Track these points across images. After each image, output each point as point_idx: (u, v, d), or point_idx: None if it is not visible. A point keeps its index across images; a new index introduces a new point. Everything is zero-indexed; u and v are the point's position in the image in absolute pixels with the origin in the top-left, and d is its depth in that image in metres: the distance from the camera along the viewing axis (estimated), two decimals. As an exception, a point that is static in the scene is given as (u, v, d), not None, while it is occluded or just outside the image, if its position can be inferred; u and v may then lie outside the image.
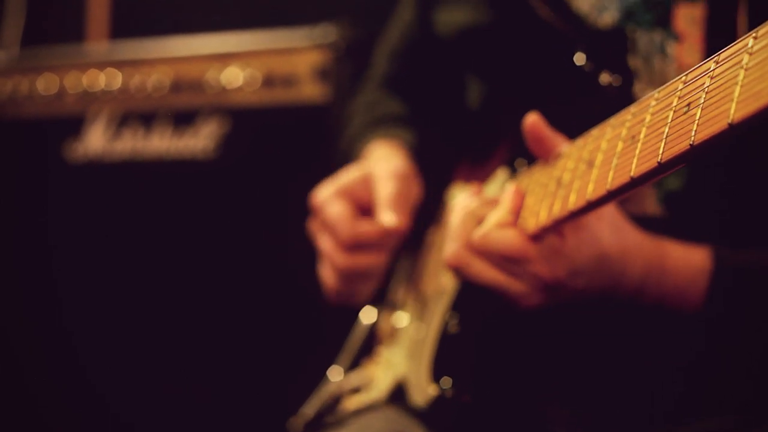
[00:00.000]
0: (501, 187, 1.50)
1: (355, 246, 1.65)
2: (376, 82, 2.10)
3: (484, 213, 1.33)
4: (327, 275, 1.72)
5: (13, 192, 3.00)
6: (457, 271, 1.31)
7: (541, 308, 1.31)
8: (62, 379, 2.96)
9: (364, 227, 1.65)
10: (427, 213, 1.77)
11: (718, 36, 1.38)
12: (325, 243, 1.69)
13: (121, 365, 2.84)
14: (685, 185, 1.42)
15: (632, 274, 1.30)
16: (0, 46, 3.28)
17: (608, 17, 1.49)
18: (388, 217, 1.63)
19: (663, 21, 1.44)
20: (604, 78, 1.40)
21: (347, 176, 1.73)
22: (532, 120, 1.31)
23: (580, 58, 1.42)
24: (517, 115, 1.63)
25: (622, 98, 1.35)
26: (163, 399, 2.80)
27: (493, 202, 1.35)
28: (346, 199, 1.68)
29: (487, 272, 1.28)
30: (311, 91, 2.65)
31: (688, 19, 1.41)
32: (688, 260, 1.34)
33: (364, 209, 1.69)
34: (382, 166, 1.71)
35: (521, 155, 1.51)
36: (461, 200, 1.38)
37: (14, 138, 3.05)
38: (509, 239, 1.24)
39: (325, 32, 2.68)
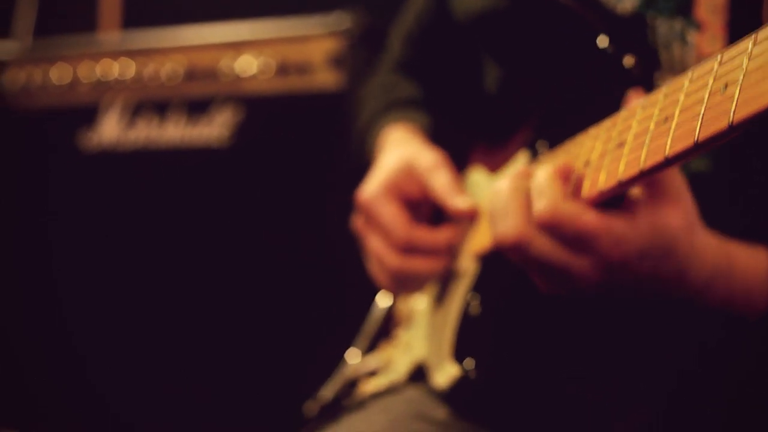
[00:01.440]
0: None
1: (409, 249, 1.65)
2: (391, 65, 2.10)
3: (537, 187, 1.25)
4: (378, 274, 1.72)
5: (28, 182, 3.01)
6: (516, 248, 1.23)
7: (600, 288, 1.25)
8: (71, 366, 2.97)
9: (420, 232, 1.65)
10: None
11: (741, 25, 1.37)
12: (376, 243, 1.68)
13: (142, 346, 2.85)
14: (713, 167, 1.41)
15: (698, 273, 1.25)
16: (13, 37, 3.28)
17: (628, 4, 1.47)
18: (458, 200, 1.61)
19: (684, 9, 1.42)
20: (628, 60, 1.38)
21: (389, 170, 1.71)
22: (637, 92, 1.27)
23: (603, 41, 1.40)
24: (536, 99, 1.63)
25: (645, 82, 1.34)
26: (182, 381, 2.80)
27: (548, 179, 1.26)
28: (396, 198, 1.67)
29: (550, 250, 1.21)
30: (325, 78, 2.65)
31: (710, 8, 1.39)
32: (756, 261, 1.30)
33: (412, 203, 1.69)
34: (422, 159, 1.70)
35: (542, 137, 1.50)
36: (505, 177, 1.32)
37: (28, 128, 3.06)
38: (580, 213, 1.17)
39: (339, 20, 2.68)
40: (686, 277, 1.24)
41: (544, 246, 1.21)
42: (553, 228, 1.19)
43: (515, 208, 1.24)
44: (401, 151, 1.76)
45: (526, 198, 1.24)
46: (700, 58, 1.39)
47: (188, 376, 2.81)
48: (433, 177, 1.66)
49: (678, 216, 1.21)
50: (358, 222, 1.74)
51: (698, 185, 1.36)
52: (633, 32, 1.45)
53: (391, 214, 1.66)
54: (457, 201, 1.61)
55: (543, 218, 1.19)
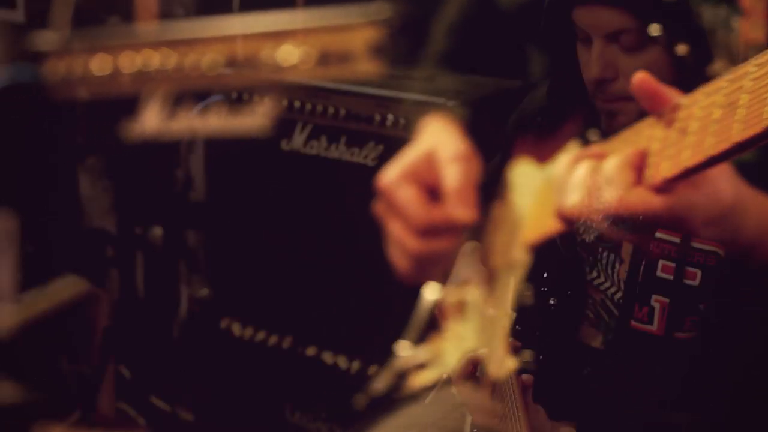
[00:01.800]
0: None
1: (427, 231, 1.64)
2: (433, 57, 2.09)
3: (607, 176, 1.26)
4: (398, 258, 1.71)
5: (71, 172, 3.02)
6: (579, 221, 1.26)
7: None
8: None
9: (437, 213, 1.64)
10: (489, 189, 1.76)
11: None
12: (395, 227, 1.68)
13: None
14: (758, 156, 1.40)
15: (748, 226, 1.28)
16: (51, 27, 3.29)
17: None
18: (458, 212, 1.61)
19: None
20: (682, 49, 1.37)
21: (411, 157, 1.71)
22: (642, 77, 1.26)
23: (655, 29, 1.39)
24: (585, 88, 1.62)
25: (698, 69, 1.33)
26: (237, 370, 2.81)
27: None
28: (413, 182, 1.67)
29: (615, 232, 1.24)
30: (366, 68, 2.63)
31: None
32: None
33: (431, 190, 1.68)
34: (445, 148, 1.69)
35: (594, 126, 1.49)
36: (580, 153, 1.32)
37: (69, 119, 3.07)
38: (645, 201, 1.18)
39: (380, 9, 2.66)
40: (740, 233, 1.28)
41: (608, 227, 1.22)
42: (619, 219, 1.19)
43: (584, 185, 1.24)
44: (428, 140, 1.76)
45: (596, 179, 1.24)
46: (745, 43, 1.38)
47: (240, 365, 2.82)
48: (448, 169, 1.65)
49: (728, 180, 1.24)
50: (378, 207, 1.73)
51: (744, 174, 1.36)
52: (682, 20, 1.45)
53: (409, 198, 1.65)
54: (455, 210, 1.61)
55: (609, 210, 1.19)
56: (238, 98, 2.74)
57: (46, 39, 3.10)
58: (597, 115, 1.63)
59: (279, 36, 2.71)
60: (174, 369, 3.63)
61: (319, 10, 2.82)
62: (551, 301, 1.65)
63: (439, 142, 1.72)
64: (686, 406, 1.60)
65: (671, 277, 1.70)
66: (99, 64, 2.90)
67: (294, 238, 2.81)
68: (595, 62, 1.66)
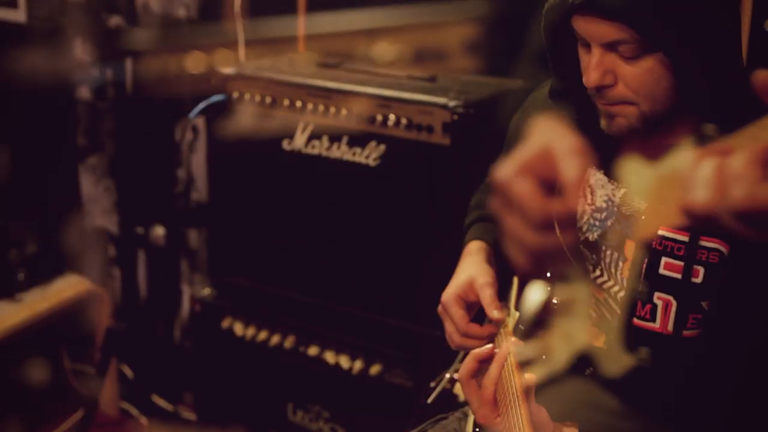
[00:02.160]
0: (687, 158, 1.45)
1: (546, 225, 1.63)
2: (532, 57, 2.08)
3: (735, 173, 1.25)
4: (516, 253, 1.71)
5: (164, 168, 3.04)
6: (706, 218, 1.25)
7: None
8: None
9: (555, 206, 1.63)
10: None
11: None
12: (513, 222, 1.68)
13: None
14: None
15: None
16: (144, 26, 3.32)
17: None
18: (579, 204, 1.61)
19: None
20: None
21: (526, 152, 1.70)
22: (764, 76, 1.24)
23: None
24: (699, 84, 1.60)
25: None
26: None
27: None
28: (532, 177, 1.66)
29: (743, 228, 1.22)
30: (462, 65, 2.63)
31: None
32: None
33: (548, 185, 1.68)
34: (561, 143, 1.68)
35: (710, 121, 1.47)
36: (695, 150, 1.31)
37: (162, 115, 3.09)
38: None
39: (475, 5, 2.66)
40: None
41: (734, 222, 1.20)
42: (747, 215, 1.18)
43: (712, 181, 1.23)
44: (542, 137, 1.75)
45: (724, 175, 1.23)
46: None
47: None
48: (566, 163, 1.64)
49: None
50: (494, 203, 1.73)
51: None
52: None
53: (527, 192, 1.64)
54: (577, 202, 1.60)
55: (738, 206, 1.18)
56: (239, 98, 2.75)
57: (140, 38, 3.15)
58: (713, 110, 1.62)
59: (374, 33, 2.73)
60: (176, 368, 3.71)
61: (415, 6, 2.84)
62: (554, 301, 1.63)
63: (553, 138, 1.70)
64: (689, 404, 1.58)
65: (678, 276, 1.68)
66: (192, 62, 2.94)
67: (295, 238, 2.82)
68: (593, 69, 1.65)
